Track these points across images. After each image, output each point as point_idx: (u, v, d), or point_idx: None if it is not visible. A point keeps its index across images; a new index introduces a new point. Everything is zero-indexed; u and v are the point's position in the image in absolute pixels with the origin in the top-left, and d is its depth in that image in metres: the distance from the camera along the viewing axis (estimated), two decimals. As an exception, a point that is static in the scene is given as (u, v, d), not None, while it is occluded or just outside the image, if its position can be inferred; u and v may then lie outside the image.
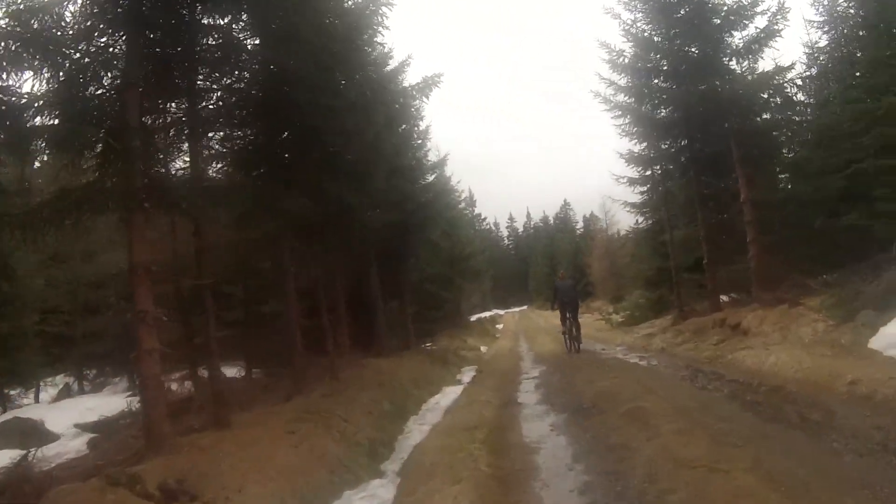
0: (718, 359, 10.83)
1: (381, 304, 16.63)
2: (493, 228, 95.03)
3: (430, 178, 20.98)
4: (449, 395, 12.13)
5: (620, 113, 16.54)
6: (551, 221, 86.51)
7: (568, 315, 15.51)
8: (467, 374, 15.72)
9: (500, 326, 44.69)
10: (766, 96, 13.83)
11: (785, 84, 13.63)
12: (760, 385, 7.78)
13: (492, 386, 12.47)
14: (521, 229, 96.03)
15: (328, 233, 10.97)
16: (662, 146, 17.44)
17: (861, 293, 9.36)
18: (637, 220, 23.29)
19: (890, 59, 12.02)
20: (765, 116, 14.56)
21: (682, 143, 16.27)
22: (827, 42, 17.79)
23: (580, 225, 77.33)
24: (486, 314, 57.88)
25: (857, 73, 14.27)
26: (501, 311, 66.17)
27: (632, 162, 20.54)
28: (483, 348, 24.19)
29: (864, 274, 10.16)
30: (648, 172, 20.13)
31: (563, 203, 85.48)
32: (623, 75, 15.99)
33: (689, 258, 17.82)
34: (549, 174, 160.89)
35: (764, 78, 13.65)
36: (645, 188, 20.62)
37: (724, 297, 15.50)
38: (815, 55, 17.75)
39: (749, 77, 14.01)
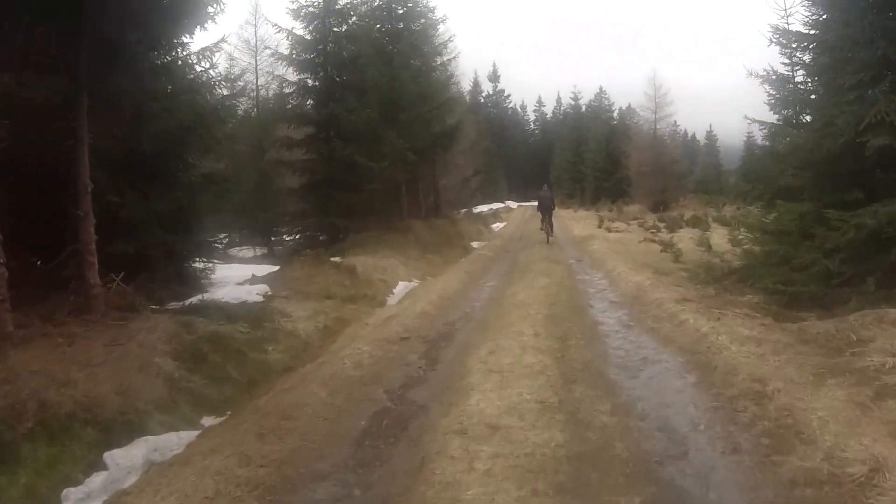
0: None
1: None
2: (519, 111, 78.73)
3: None
4: None
5: None
6: (583, 109, 69.46)
7: (545, 217, 18.23)
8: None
9: (497, 227, 30.74)
10: None
11: None
12: None
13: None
14: (549, 114, 79.34)
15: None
16: None
17: None
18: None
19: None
20: None
21: None
22: None
23: (615, 115, 60.76)
24: (493, 206, 44.20)
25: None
26: (514, 204, 52.00)
27: None
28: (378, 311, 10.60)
29: None
30: None
31: (598, 90, 67.79)
32: None
33: None
34: (587, 59, 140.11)
35: None
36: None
37: None
38: None
39: None
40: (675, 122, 38.31)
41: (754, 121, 11.68)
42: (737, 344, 5.43)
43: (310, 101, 16.71)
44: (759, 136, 47.45)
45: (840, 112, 7.25)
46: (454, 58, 21.62)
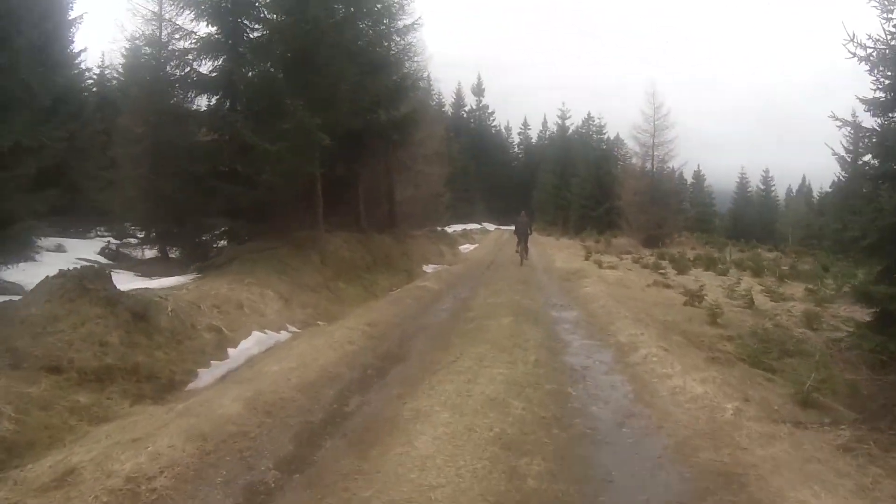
0: None
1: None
2: (504, 132, 73.16)
3: None
4: None
5: None
6: (570, 131, 64.29)
7: (520, 241, 18.42)
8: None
9: (466, 249, 25.91)
10: None
11: None
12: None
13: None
14: (534, 138, 74.02)
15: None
16: None
17: None
18: None
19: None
20: None
21: None
22: None
23: (605, 139, 55.85)
24: (468, 227, 39.54)
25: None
26: (492, 227, 47.69)
27: None
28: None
29: None
30: None
31: (586, 116, 62.39)
32: None
33: None
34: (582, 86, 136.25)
35: None
36: None
37: None
38: None
39: None
40: (672, 149, 32.85)
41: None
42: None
43: (214, 62, 11.82)
44: (756, 179, 42.03)
45: None
46: (415, 23, 15.40)
